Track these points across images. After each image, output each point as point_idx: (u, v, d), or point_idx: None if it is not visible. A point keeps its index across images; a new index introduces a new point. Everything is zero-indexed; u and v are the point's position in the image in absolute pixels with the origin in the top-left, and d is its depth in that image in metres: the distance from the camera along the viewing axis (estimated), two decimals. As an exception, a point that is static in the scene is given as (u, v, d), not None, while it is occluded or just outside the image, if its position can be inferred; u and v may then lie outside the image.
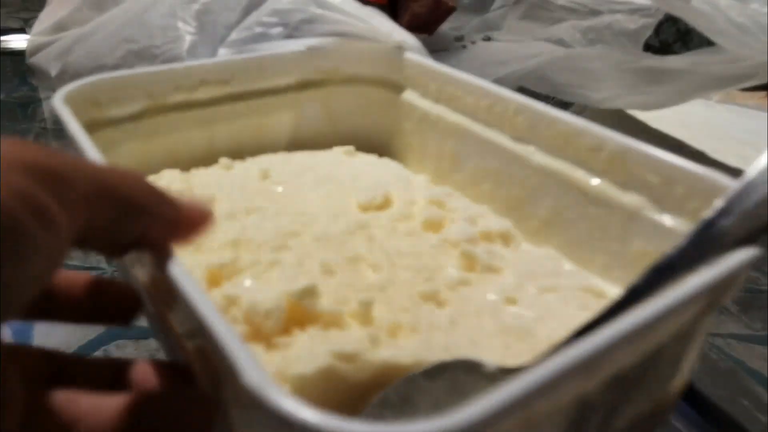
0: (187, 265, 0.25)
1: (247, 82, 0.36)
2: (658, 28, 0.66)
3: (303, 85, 0.38)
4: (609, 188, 0.28)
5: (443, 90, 0.35)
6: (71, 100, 0.30)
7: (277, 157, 0.36)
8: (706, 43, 0.51)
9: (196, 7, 0.48)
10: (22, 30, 0.83)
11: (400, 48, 0.37)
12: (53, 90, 0.51)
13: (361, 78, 0.39)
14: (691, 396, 0.32)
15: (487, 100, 0.33)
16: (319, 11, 0.44)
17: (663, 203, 0.26)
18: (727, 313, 0.40)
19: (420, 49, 0.37)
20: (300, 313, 0.23)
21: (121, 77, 0.32)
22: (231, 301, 0.23)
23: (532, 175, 0.31)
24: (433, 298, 0.26)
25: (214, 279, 0.26)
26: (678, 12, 0.48)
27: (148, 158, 0.34)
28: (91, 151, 0.25)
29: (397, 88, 0.38)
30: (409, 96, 0.38)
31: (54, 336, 0.38)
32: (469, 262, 0.28)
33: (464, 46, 0.62)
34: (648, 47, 0.52)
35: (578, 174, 0.29)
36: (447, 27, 0.66)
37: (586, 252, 0.29)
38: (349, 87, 0.39)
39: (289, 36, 0.44)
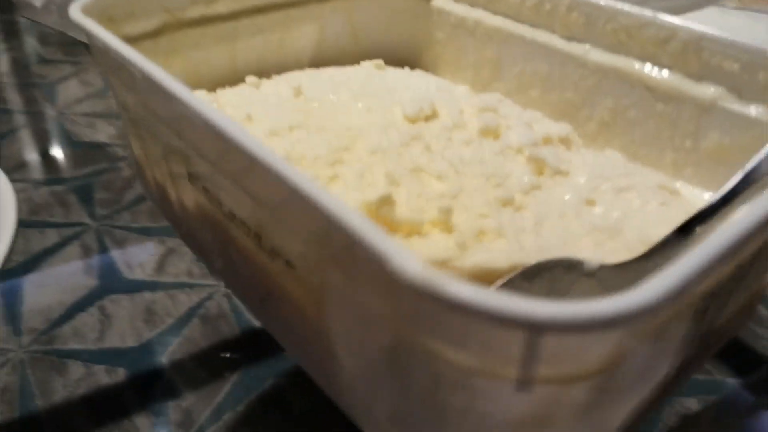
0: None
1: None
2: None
3: (325, -5, 0.35)
4: (680, 81, 0.27)
5: (483, -7, 0.33)
6: (88, 13, 0.27)
7: (304, 74, 0.34)
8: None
9: None
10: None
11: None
12: (40, 23, 0.47)
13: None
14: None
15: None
16: None
17: (743, 92, 0.25)
18: None
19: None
20: (379, 222, 0.22)
21: (136, -13, 0.29)
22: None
23: (589, 75, 0.30)
24: (509, 203, 0.24)
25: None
26: None
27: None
28: (138, 58, 0.23)
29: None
30: (441, 1, 0.35)
31: (46, 294, 0.37)
32: (538, 165, 0.27)
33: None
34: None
35: (644, 69, 0.28)
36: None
37: (654, 151, 0.28)
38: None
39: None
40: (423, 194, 0.24)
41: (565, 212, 0.24)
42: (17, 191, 0.30)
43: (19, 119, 0.57)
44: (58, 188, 0.47)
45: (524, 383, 0.13)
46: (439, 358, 0.14)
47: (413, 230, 0.22)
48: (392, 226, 0.22)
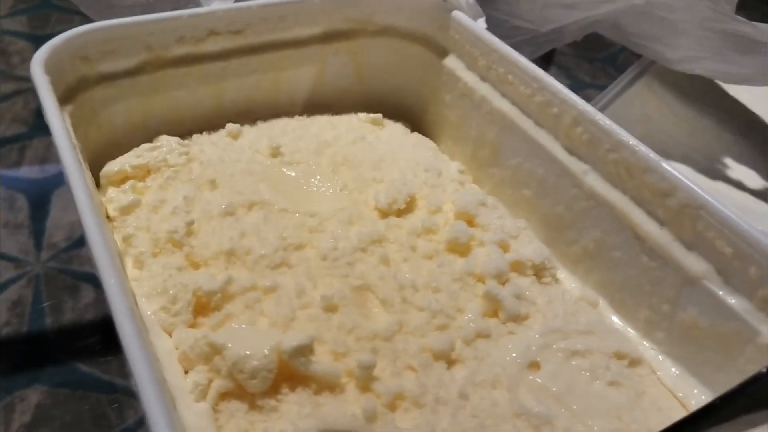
0: (174, 283, 0.23)
1: (264, 33, 0.32)
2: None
3: (329, 37, 0.33)
4: (671, 242, 0.25)
5: (493, 69, 0.31)
6: (55, 56, 0.27)
7: (291, 124, 0.33)
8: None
9: None
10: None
11: (446, 2, 0.32)
12: None
13: (397, 31, 0.34)
14: None
15: (542, 97, 0.29)
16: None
17: (730, 279, 0.23)
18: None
19: (473, 8, 0.32)
20: (291, 372, 0.22)
21: (114, 26, 0.28)
22: (216, 350, 0.21)
23: (582, 198, 0.28)
24: (445, 356, 0.23)
25: (202, 308, 0.24)
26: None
27: (147, 119, 0.31)
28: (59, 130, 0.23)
29: (439, 51, 0.34)
30: (453, 63, 0.33)
31: (72, 210, 0.37)
32: (493, 306, 0.25)
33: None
34: (743, 6, 0.45)
35: (636, 214, 0.26)
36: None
37: (630, 301, 0.27)
38: (382, 40, 0.34)
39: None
40: (356, 329, 0.24)
41: (500, 378, 0.23)
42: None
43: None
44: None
45: None
46: None
47: (327, 385, 0.22)
48: (304, 379, 0.22)
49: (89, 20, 0.30)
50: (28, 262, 0.35)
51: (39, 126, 0.43)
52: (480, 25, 0.32)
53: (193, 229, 0.26)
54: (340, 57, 0.34)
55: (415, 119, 0.35)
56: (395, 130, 0.34)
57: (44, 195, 0.39)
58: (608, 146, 0.26)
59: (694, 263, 0.24)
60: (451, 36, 0.33)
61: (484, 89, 0.32)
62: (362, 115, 0.34)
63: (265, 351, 0.21)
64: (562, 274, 0.29)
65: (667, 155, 0.34)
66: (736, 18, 0.42)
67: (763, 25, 0.40)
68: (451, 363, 0.24)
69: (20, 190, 0.39)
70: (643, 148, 0.25)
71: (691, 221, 0.24)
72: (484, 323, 0.25)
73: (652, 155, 0.25)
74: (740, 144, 0.44)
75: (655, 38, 0.45)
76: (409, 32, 0.34)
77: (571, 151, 0.28)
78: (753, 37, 0.41)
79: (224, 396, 0.21)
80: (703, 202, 0.24)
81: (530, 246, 0.28)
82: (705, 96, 0.47)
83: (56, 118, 0.24)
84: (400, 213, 0.29)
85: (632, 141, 0.26)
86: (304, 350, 0.22)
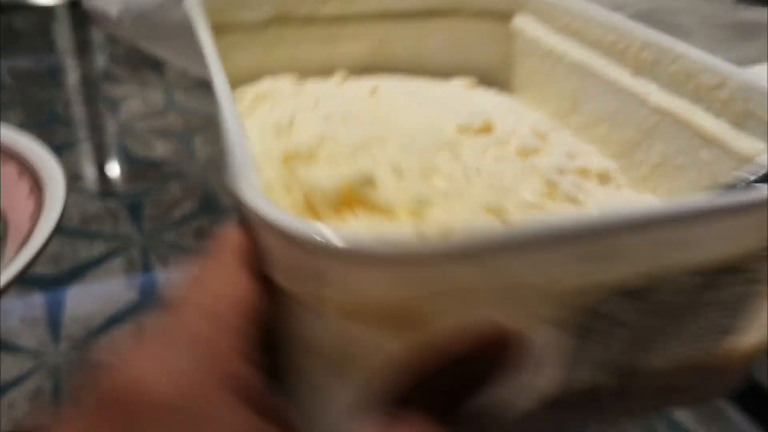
0: (266, 146, 0.28)
1: (373, 3, 0.38)
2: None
3: (429, 13, 0.39)
4: (726, 130, 0.26)
5: (570, 25, 0.35)
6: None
7: (392, 78, 0.38)
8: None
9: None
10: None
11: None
12: (114, 33, 0.53)
13: (488, 11, 0.39)
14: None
15: (612, 36, 0.32)
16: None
17: (782, 151, 0.24)
18: None
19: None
20: (354, 198, 0.25)
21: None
22: (295, 178, 0.26)
23: (649, 115, 0.30)
24: (497, 212, 0.26)
25: (288, 160, 0.28)
26: None
27: (267, 66, 0.37)
28: (212, 57, 0.29)
29: (524, 23, 0.38)
30: (535, 31, 0.37)
31: (88, 303, 0.39)
32: (551, 189, 0.28)
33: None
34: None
35: (694, 113, 0.28)
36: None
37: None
38: (476, 21, 0.40)
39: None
40: (417, 188, 0.27)
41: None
42: (71, 203, 0.33)
43: (81, 133, 0.63)
44: (111, 202, 0.52)
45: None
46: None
47: (385, 212, 0.25)
48: (365, 204, 0.25)
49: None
50: (48, 352, 0.36)
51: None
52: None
53: (294, 121, 0.31)
54: (437, 33, 0.40)
55: (505, 89, 0.40)
56: (485, 92, 0.38)
57: (62, 289, 0.40)
58: (668, 60, 0.29)
59: (748, 144, 0.25)
60: (533, 7, 0.37)
61: (565, 46, 0.35)
62: (456, 81, 0.39)
63: (334, 177, 0.25)
64: (627, 191, 0.30)
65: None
66: (740, 7, 0.43)
67: (764, 9, 0.42)
68: (501, 219, 0.26)
69: (35, 287, 0.41)
70: (698, 53, 0.28)
71: (742, 104, 0.26)
72: (540, 200, 0.27)
73: (706, 56, 0.27)
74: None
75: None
76: (498, 11, 0.39)
77: (637, 76, 0.31)
78: (757, 20, 0.43)
79: (298, 212, 0.25)
80: (749, 85, 0.25)
81: (598, 160, 0.30)
82: None
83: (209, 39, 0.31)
84: (477, 131, 0.32)
85: (689, 50, 0.28)
86: (368, 180, 0.25)
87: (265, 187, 0.26)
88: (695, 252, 0.18)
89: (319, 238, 0.14)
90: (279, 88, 0.35)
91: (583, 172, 0.29)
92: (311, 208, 0.25)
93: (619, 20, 0.32)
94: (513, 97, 0.38)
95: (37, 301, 0.39)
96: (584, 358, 0.19)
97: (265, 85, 0.35)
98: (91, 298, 0.40)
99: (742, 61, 0.46)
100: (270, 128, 0.31)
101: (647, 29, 0.30)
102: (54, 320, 0.37)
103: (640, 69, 0.31)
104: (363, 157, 0.29)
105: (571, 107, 0.35)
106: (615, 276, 0.18)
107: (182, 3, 0.34)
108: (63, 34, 0.71)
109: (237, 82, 0.37)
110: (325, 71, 0.38)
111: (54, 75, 0.70)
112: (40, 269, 0.41)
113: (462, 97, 0.36)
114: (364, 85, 0.37)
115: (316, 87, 0.36)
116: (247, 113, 0.33)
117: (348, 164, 0.28)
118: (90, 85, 0.71)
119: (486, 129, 0.33)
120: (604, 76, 0.32)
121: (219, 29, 0.36)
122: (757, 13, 0.42)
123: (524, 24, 0.38)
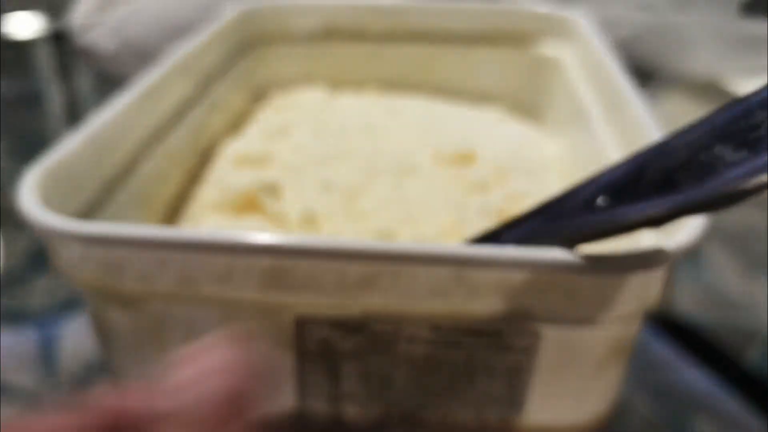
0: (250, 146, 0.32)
1: (422, 22, 0.39)
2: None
3: (477, 38, 0.39)
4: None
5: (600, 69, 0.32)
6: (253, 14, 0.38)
7: (419, 98, 0.39)
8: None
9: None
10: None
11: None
12: (108, 71, 0.51)
13: (534, 42, 0.38)
14: None
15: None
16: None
17: None
18: None
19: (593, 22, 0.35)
20: (254, 202, 0.27)
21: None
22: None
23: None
24: (387, 237, 0.26)
25: (240, 161, 0.31)
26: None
27: (311, 76, 0.41)
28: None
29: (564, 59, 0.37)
30: (570, 71, 0.36)
31: (86, 338, 0.32)
32: (454, 227, 0.27)
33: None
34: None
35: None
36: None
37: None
38: (522, 51, 0.39)
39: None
40: (329, 206, 0.28)
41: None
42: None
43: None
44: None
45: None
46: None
47: (277, 219, 0.27)
48: (261, 209, 0.27)
49: None
50: (45, 392, 0.33)
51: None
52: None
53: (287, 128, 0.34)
54: (484, 61, 0.39)
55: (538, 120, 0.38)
56: (516, 126, 0.37)
57: (56, 326, 0.37)
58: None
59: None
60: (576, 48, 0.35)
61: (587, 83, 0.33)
62: (490, 111, 0.38)
63: (246, 181, 0.28)
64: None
65: None
66: (747, 21, 0.44)
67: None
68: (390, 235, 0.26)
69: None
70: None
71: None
72: (438, 231, 0.27)
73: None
74: None
75: (672, 55, 0.45)
76: (544, 44, 0.38)
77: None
78: (762, 33, 0.42)
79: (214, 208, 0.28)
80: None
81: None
82: None
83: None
84: (451, 161, 0.32)
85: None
86: (272, 189, 0.27)
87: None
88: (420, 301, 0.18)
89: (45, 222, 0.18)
90: (304, 98, 0.38)
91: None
92: (222, 205, 0.28)
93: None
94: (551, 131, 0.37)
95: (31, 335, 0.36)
96: (320, 387, 0.20)
97: (296, 93, 0.39)
98: (88, 333, 0.32)
99: (748, 73, 0.41)
100: (265, 131, 0.34)
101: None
102: (50, 357, 0.35)
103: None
104: (324, 168, 0.31)
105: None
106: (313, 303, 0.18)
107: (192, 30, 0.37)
108: (44, 62, 0.67)
109: (280, 89, 0.41)
110: (363, 84, 0.41)
111: (37, 101, 0.65)
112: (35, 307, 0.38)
113: (470, 125, 0.36)
114: (381, 102, 0.38)
115: (343, 101, 0.39)
116: (272, 114, 0.37)
117: (305, 173, 0.30)
118: (74, 109, 0.63)
119: (465, 159, 0.32)
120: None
121: (269, 39, 0.40)
122: (762, 26, 0.42)
123: (566, 58, 0.36)
